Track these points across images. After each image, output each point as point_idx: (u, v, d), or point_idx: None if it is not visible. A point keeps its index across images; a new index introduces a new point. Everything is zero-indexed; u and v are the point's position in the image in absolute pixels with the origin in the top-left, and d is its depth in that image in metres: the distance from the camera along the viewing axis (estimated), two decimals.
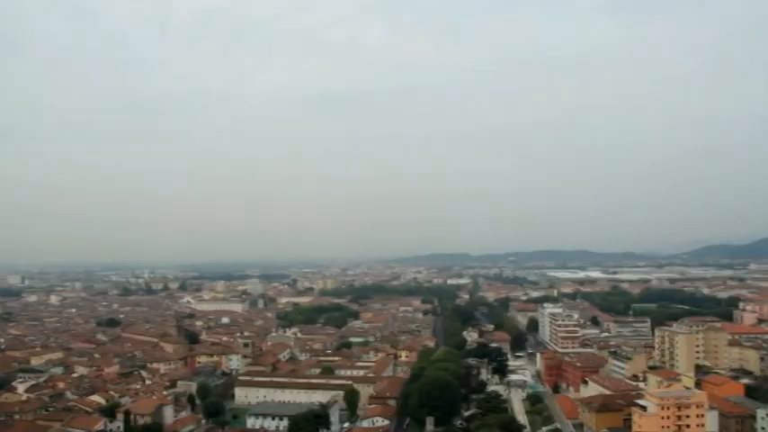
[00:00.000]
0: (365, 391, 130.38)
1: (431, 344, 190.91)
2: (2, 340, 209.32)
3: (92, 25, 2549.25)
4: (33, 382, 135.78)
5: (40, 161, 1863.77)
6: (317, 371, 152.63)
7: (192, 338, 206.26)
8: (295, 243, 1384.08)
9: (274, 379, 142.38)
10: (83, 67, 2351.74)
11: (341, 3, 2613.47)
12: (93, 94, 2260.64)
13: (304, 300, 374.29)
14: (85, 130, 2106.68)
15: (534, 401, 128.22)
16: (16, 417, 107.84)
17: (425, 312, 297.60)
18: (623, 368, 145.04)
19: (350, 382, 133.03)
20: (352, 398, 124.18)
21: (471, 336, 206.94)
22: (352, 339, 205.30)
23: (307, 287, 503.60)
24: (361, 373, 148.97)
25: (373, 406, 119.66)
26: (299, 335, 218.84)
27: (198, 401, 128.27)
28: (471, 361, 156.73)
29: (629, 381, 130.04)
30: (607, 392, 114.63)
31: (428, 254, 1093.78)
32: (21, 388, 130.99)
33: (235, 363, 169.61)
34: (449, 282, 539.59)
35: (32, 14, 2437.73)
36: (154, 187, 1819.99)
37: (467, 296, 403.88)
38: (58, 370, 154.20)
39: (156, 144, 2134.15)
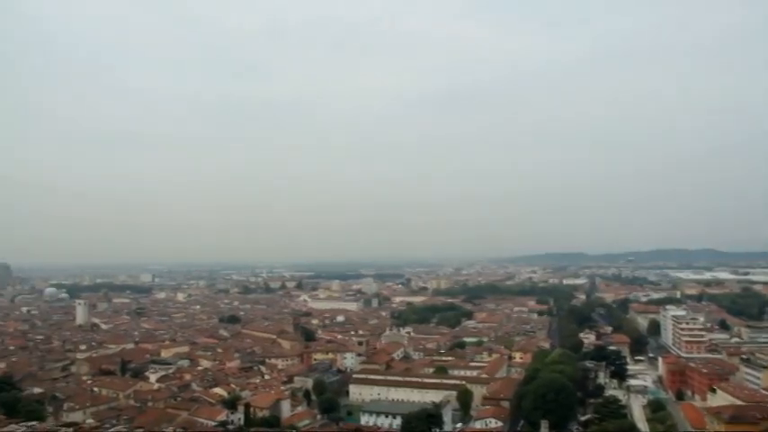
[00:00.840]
0: (478, 391, 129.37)
1: (546, 345, 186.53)
2: (136, 333, 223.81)
3: (196, 33, 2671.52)
4: (163, 373, 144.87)
5: (155, 167, 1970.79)
6: (431, 370, 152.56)
7: (309, 336, 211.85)
8: (409, 242, 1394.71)
9: (388, 377, 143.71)
10: (188, 73, 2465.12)
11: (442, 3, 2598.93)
12: (200, 100, 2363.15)
13: (418, 299, 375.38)
14: (194, 136, 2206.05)
15: (656, 408, 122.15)
16: (149, 404, 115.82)
17: (540, 313, 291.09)
18: (758, 377, 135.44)
19: (463, 383, 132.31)
20: (465, 398, 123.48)
21: (588, 338, 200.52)
22: (466, 339, 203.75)
23: (420, 286, 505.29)
24: (475, 373, 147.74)
25: (486, 407, 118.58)
26: (412, 334, 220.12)
27: (313, 397, 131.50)
28: (588, 364, 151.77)
29: (765, 391, 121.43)
30: (739, 403, 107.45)
31: (543, 253, 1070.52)
32: (152, 378, 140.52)
33: (349, 361, 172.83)
34: (564, 282, 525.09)
35: (135, 22, 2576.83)
36: (269, 191, 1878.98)
37: (583, 297, 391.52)
38: (185, 363, 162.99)
39: (264, 150, 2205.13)
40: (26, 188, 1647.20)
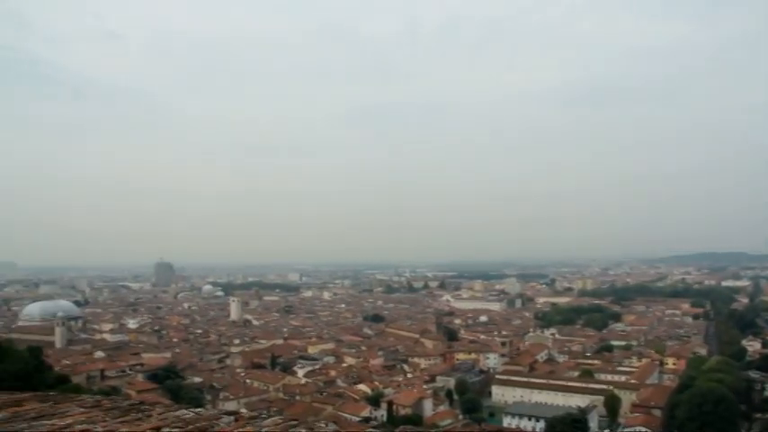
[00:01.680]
0: (627, 397, 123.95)
1: (702, 351, 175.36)
2: (285, 330, 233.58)
3: (341, 40, 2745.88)
4: (310, 368, 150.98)
5: (295, 172, 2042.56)
6: (576, 373, 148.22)
7: (451, 335, 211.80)
8: (553, 241, 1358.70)
9: (531, 379, 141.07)
10: (328, 80, 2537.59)
11: None
12: (341, 106, 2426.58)
13: (562, 300, 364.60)
14: (335, 141, 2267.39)
15: None
16: (297, 397, 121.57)
17: (695, 316, 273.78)
18: None
19: (610, 387, 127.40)
20: (612, 404, 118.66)
21: (752, 345, 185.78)
22: (613, 342, 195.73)
23: (565, 287, 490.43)
24: (623, 378, 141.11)
25: (636, 414, 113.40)
26: (557, 336, 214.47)
27: (456, 397, 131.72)
28: (753, 374, 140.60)
29: None
30: None
31: (698, 252, 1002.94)
32: (300, 373, 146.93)
33: (492, 361, 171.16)
34: (723, 283, 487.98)
35: (280, 31, 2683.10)
36: (411, 192, 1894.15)
37: (746, 300, 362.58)
38: (330, 359, 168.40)
39: (405, 152, 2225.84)
40: (185, 195, 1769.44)
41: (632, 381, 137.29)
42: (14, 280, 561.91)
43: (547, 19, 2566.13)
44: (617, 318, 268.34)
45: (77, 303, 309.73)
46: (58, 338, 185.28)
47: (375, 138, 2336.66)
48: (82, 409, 7.86)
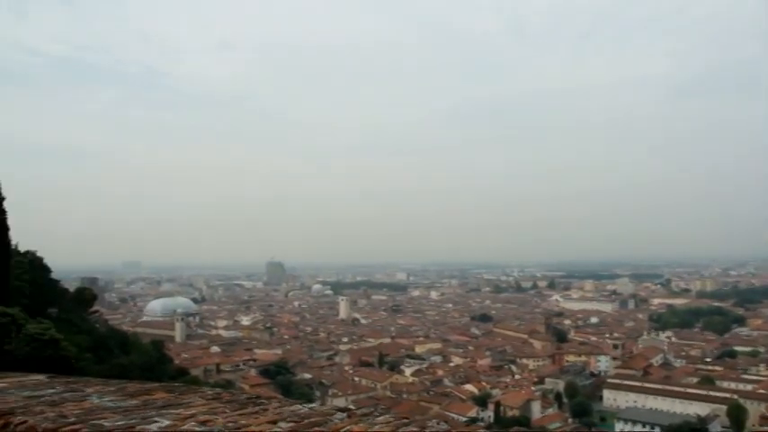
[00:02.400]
0: (754, 409, 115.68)
1: None
2: (392, 329, 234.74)
3: (442, 36, 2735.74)
4: (417, 368, 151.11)
5: (400, 172, 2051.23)
6: (694, 380, 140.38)
7: (560, 337, 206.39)
8: (668, 239, 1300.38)
9: (646, 384, 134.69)
10: (440, 78, 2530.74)
11: None
12: (450, 103, 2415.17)
13: (679, 301, 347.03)
14: (440, 139, 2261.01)
15: None
16: (404, 396, 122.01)
17: None
18: None
19: (734, 397, 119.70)
20: (737, 415, 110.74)
21: None
22: (737, 348, 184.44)
23: (682, 288, 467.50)
24: (749, 387, 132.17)
25: (765, 428, 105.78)
26: (673, 339, 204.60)
27: (565, 400, 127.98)
28: None
29: None
30: None
31: None
32: (407, 371, 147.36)
33: (603, 364, 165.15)
34: None
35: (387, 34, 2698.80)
36: (515, 188, 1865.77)
37: None
38: (437, 359, 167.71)
39: (512, 146, 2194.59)
40: (293, 197, 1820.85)
41: (761, 390, 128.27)
42: (139, 278, 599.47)
43: (659, 6, 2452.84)
44: (741, 322, 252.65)
45: (195, 300, 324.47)
46: (177, 333, 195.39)
47: (482, 134, 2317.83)
48: (203, 401, 8.11)
